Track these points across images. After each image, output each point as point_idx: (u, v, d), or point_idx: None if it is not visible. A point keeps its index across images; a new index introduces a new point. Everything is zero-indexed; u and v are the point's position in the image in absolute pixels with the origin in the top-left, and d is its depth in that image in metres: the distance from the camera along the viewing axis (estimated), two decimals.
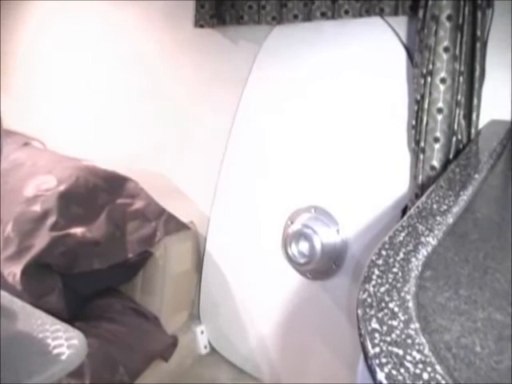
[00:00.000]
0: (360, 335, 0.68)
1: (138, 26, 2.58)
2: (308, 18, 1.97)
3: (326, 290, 2.00)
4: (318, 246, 1.93)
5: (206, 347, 2.52)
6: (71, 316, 2.11)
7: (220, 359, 2.49)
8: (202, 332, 2.51)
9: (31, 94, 3.25)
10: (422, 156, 1.61)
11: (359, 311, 0.71)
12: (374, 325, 0.68)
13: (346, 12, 1.88)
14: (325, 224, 1.95)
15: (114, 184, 2.40)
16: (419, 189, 1.63)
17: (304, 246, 1.98)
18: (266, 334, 2.25)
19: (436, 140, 1.58)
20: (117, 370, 2.07)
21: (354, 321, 1.71)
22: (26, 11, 3.13)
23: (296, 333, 2.14)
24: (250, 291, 2.28)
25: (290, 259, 2.03)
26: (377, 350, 0.64)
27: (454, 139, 1.58)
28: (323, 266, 1.96)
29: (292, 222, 2.04)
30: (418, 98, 1.62)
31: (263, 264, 2.20)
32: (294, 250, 2.01)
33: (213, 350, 2.53)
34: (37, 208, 2.22)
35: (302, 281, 2.05)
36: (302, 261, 1.99)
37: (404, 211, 1.74)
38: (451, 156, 1.58)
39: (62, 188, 2.29)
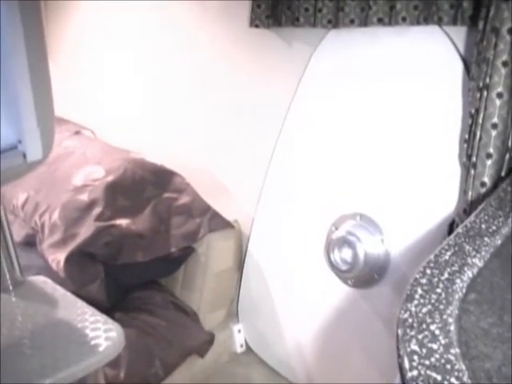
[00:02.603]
0: (398, 356, 0.67)
1: (192, 23, 2.58)
2: (364, 23, 1.94)
3: (367, 300, 1.98)
4: (361, 255, 1.91)
5: (242, 346, 2.53)
6: (111, 306, 2.15)
7: (255, 359, 2.49)
8: (240, 331, 2.52)
9: (83, 83, 3.29)
10: (472, 171, 1.58)
11: (399, 331, 0.71)
12: (414, 346, 0.67)
13: (404, 19, 1.85)
14: (369, 232, 1.93)
15: (161, 178, 2.42)
16: (468, 204, 1.60)
17: (347, 253, 1.96)
18: (303, 338, 2.24)
19: (488, 156, 1.54)
20: (152, 363, 2.10)
21: (393, 333, 1.68)
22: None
23: (333, 339, 2.13)
24: (290, 294, 2.28)
25: (332, 265, 2.02)
26: (415, 373, 0.63)
27: (508, 156, 1.54)
28: (365, 274, 1.95)
29: (336, 228, 2.02)
30: (473, 111, 1.59)
31: (304, 268, 2.19)
32: (336, 256, 1.99)
33: (249, 350, 2.53)
34: (84, 197, 2.26)
35: (343, 288, 2.03)
36: (344, 268, 1.98)
37: (451, 226, 1.71)
38: (503, 173, 1.55)
39: (109, 179, 2.32)
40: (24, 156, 1.26)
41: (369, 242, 1.93)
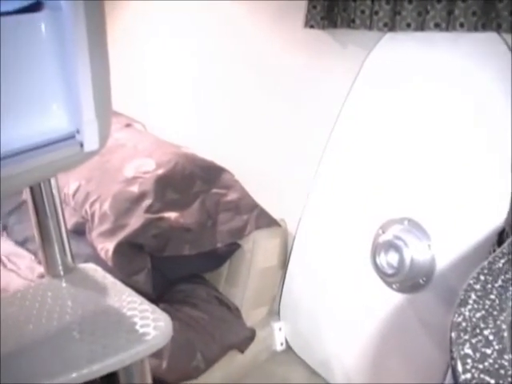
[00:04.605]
0: (451, 358, 0.67)
1: (246, 21, 2.59)
2: (421, 27, 1.93)
3: (411, 305, 1.97)
4: (407, 259, 1.90)
5: (282, 344, 2.54)
6: (156, 297, 2.17)
7: (294, 358, 2.49)
8: (280, 329, 2.53)
9: (134, 77, 3.32)
10: None
11: (453, 334, 0.71)
12: (467, 350, 0.67)
13: (461, 25, 1.83)
14: (417, 237, 1.92)
15: (210, 173, 2.45)
16: None
17: (393, 258, 1.95)
18: (344, 339, 2.24)
19: None
20: (194, 356, 2.13)
21: (438, 340, 1.67)
22: None
23: (374, 343, 2.12)
24: (333, 295, 2.27)
25: (378, 268, 2.01)
26: (468, 375, 0.64)
27: None
28: (411, 279, 1.93)
29: (383, 232, 2.02)
30: None
31: (349, 269, 2.19)
32: (382, 259, 1.99)
33: (288, 348, 2.54)
34: (134, 189, 2.29)
35: (387, 292, 2.02)
36: (389, 272, 1.97)
37: (500, 235, 1.69)
38: None
39: (160, 172, 2.35)
40: (81, 146, 1.29)
41: (416, 247, 1.91)
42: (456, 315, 0.75)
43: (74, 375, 1.24)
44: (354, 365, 2.22)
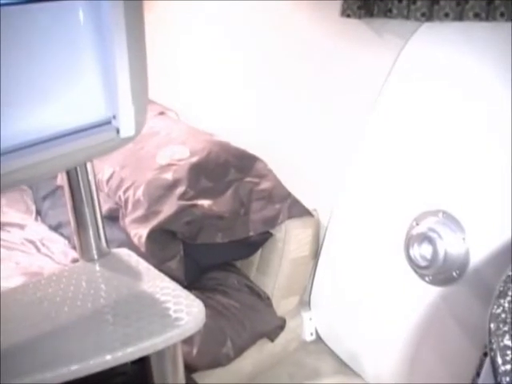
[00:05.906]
0: (490, 349, 0.67)
1: (283, 10, 2.58)
2: (459, 17, 1.90)
3: (444, 298, 1.95)
4: (441, 252, 1.89)
5: (312, 334, 2.54)
6: (188, 284, 2.18)
7: (324, 349, 2.49)
8: (311, 319, 2.53)
9: (167, 66, 3.32)
10: None
11: (492, 325, 0.70)
12: (507, 341, 0.67)
13: (502, 15, 1.80)
14: (451, 230, 1.89)
15: (243, 162, 2.45)
16: None
17: (427, 250, 1.93)
18: (375, 332, 2.23)
19: None
20: (224, 343, 2.14)
21: (470, 334, 1.66)
22: None
23: (405, 336, 2.10)
24: (364, 286, 2.26)
25: (411, 260, 2.00)
26: (508, 367, 0.63)
27: None
28: (444, 272, 1.91)
29: (417, 224, 2.00)
30: None
31: (381, 261, 2.18)
32: (416, 251, 1.97)
33: (318, 339, 2.54)
34: (168, 176, 2.30)
35: (420, 284, 2.01)
36: (422, 264, 1.95)
37: None
38: None
39: (194, 160, 2.36)
40: (117, 131, 1.30)
41: (450, 240, 1.89)
42: (495, 306, 0.74)
43: (108, 357, 1.26)
44: (384, 357, 2.22)
